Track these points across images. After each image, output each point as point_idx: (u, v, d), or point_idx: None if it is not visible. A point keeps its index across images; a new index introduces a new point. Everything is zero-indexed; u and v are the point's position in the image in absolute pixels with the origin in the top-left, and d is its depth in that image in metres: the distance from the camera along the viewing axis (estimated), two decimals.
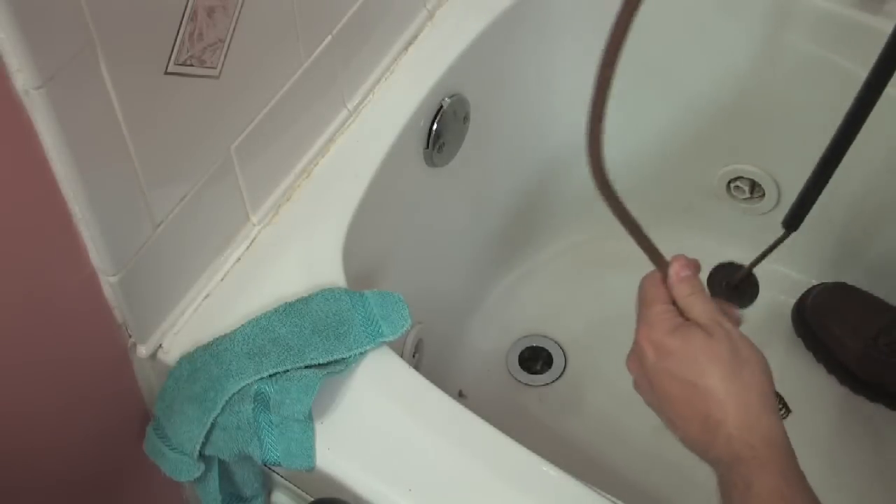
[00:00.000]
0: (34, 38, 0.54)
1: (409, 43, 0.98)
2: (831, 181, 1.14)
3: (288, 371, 0.72)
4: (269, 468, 0.80)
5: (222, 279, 0.81)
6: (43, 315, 0.67)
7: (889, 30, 0.98)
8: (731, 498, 0.60)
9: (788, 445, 0.61)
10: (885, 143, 1.07)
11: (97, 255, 0.67)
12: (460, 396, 1.16)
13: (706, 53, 1.10)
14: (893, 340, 1.09)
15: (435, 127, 0.97)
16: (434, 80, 0.95)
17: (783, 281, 1.23)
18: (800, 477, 0.60)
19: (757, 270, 1.26)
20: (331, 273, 0.80)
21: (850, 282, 1.16)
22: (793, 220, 0.86)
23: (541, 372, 1.19)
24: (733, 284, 0.92)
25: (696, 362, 0.62)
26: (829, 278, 1.18)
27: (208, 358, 0.74)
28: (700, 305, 0.65)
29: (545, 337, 1.22)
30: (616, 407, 1.11)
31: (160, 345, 0.77)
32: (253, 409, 0.71)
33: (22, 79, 0.55)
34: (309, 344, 0.73)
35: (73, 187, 0.62)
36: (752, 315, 1.23)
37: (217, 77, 0.71)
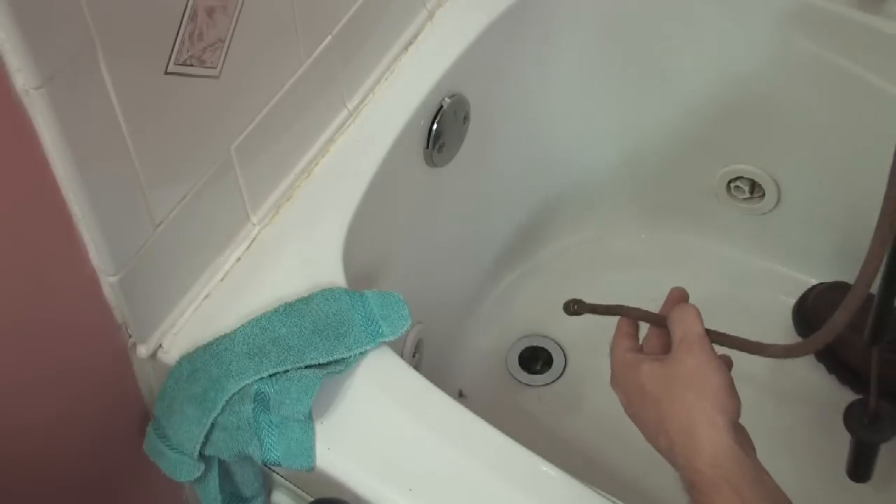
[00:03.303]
0: (34, 38, 0.54)
1: (409, 43, 0.98)
2: (831, 181, 1.15)
3: (288, 371, 0.72)
4: (269, 468, 0.80)
5: (222, 279, 0.81)
6: (43, 315, 0.67)
7: (889, 30, 0.98)
8: None
9: (739, 458, 0.62)
10: (886, 142, 1.07)
11: (97, 255, 0.67)
12: (460, 396, 1.16)
13: (706, 53, 1.10)
14: (894, 340, 1.08)
15: (435, 127, 0.97)
16: (434, 80, 0.95)
17: (783, 281, 1.23)
18: (757, 485, 0.61)
19: (757, 270, 1.26)
20: (331, 273, 0.80)
21: (850, 282, 1.16)
22: (875, 339, 0.87)
23: (541, 372, 1.19)
24: (870, 420, 0.92)
25: (644, 393, 0.68)
26: (829, 278, 1.18)
27: (208, 358, 0.74)
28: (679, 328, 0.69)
29: (545, 337, 1.22)
30: (616, 407, 1.11)
31: (160, 345, 0.77)
32: (253, 409, 0.71)
33: (22, 79, 0.55)
34: (309, 344, 0.73)
35: (73, 187, 0.62)
36: (752, 315, 1.23)
37: (217, 77, 0.71)
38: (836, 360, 1.14)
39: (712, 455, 0.62)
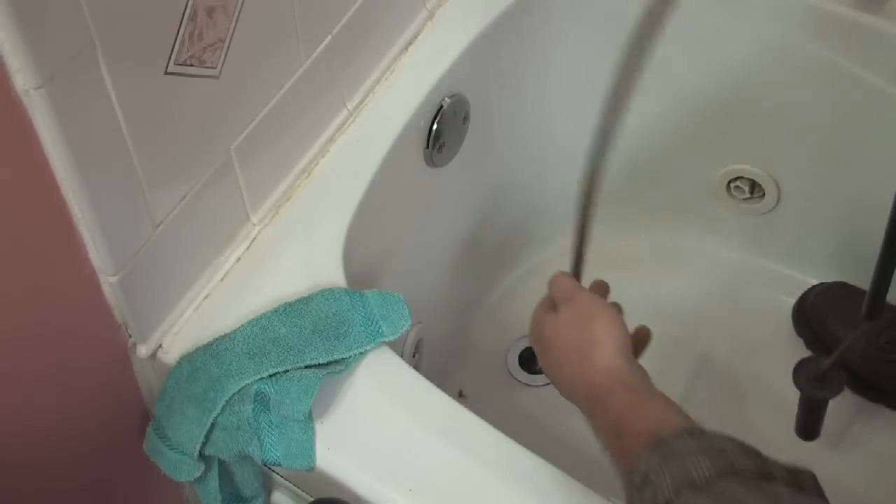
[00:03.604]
0: (34, 38, 0.54)
1: (409, 43, 0.98)
2: (831, 181, 1.15)
3: (288, 371, 0.72)
4: (269, 468, 0.80)
5: (222, 279, 0.81)
6: (42, 315, 0.67)
7: (889, 30, 0.99)
8: (597, 430, 0.66)
9: (633, 368, 0.68)
10: (886, 142, 1.07)
11: (97, 255, 0.67)
12: (460, 396, 1.16)
13: (706, 53, 1.10)
14: (893, 340, 1.08)
15: (435, 127, 0.97)
16: (434, 80, 0.95)
17: (783, 281, 1.23)
18: (652, 390, 0.66)
19: (757, 270, 1.26)
20: (331, 273, 0.80)
21: (850, 282, 1.16)
22: (873, 311, 0.88)
23: (541, 372, 1.19)
24: (819, 375, 0.93)
25: (547, 342, 0.74)
26: (829, 278, 1.18)
27: (208, 358, 0.74)
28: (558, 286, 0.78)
29: None
30: None
31: (160, 345, 0.77)
32: (253, 409, 0.71)
33: (22, 79, 0.55)
34: (309, 344, 0.73)
35: (73, 187, 0.62)
36: (752, 315, 1.23)
37: (217, 77, 0.71)
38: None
39: (606, 366, 0.68)
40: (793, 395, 0.96)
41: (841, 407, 1.07)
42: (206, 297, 0.79)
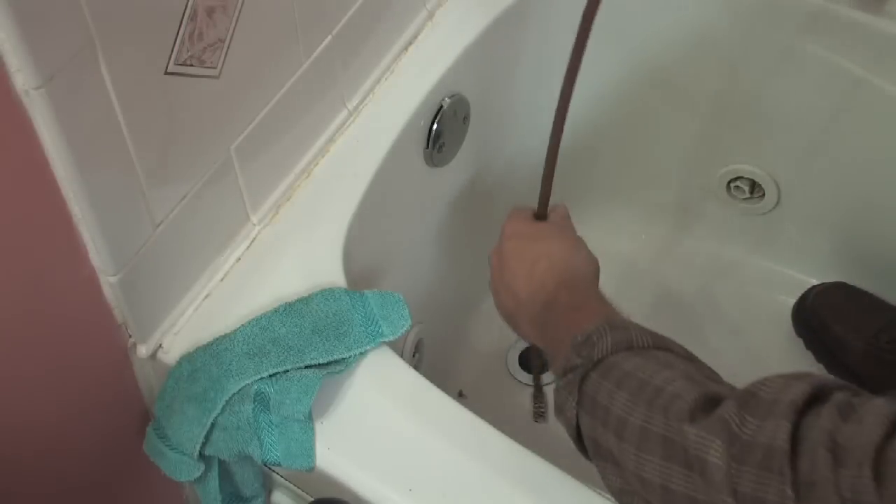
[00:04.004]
0: (34, 38, 0.54)
1: (409, 43, 0.98)
2: (831, 181, 1.14)
3: (288, 371, 0.72)
4: (269, 468, 0.80)
5: (222, 279, 0.81)
6: (43, 315, 0.67)
7: (889, 30, 0.99)
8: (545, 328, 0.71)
9: (586, 285, 0.73)
10: (886, 142, 1.07)
11: (97, 255, 0.67)
12: (460, 396, 1.16)
13: (706, 53, 1.10)
14: (893, 339, 1.09)
15: (435, 127, 0.97)
16: (434, 80, 0.95)
17: (783, 281, 1.23)
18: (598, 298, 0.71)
19: (757, 270, 1.26)
20: (331, 273, 0.80)
21: (850, 282, 1.16)
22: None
23: (541, 372, 1.19)
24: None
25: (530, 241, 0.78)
26: (829, 278, 1.18)
27: (208, 358, 0.74)
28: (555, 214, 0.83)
29: None
30: None
31: (160, 345, 0.77)
32: (253, 410, 0.71)
33: (22, 79, 0.55)
34: (309, 344, 0.73)
35: (73, 187, 0.62)
36: (753, 315, 1.23)
37: (217, 77, 0.71)
38: (834, 361, 1.14)
39: (591, 274, 0.75)
40: None
41: None
42: (207, 296, 0.79)
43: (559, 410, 0.62)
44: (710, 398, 0.52)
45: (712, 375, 0.58)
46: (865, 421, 0.45)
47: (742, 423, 0.48)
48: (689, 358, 0.60)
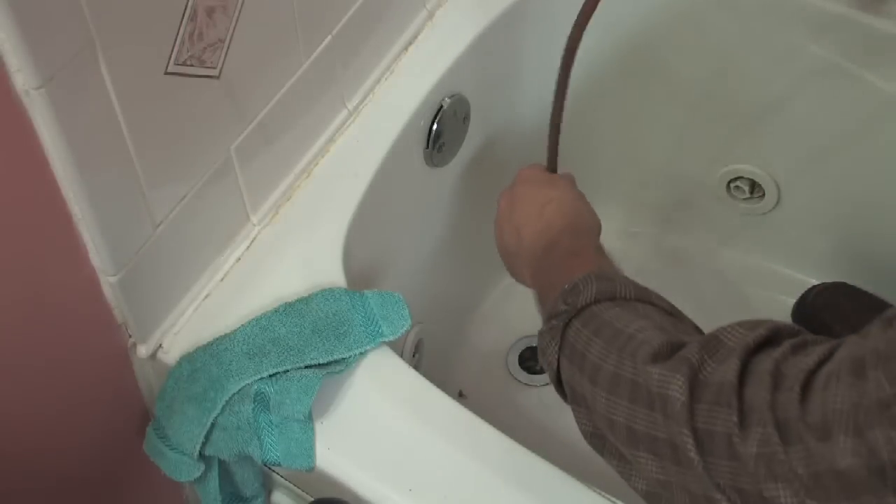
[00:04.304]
0: (34, 38, 0.54)
1: (409, 43, 0.98)
2: (832, 181, 1.14)
3: (288, 371, 0.72)
4: (269, 468, 0.80)
5: (222, 279, 0.81)
6: (43, 315, 0.67)
7: (889, 30, 0.99)
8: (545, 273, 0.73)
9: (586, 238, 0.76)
10: (885, 142, 1.07)
11: (97, 255, 0.67)
12: (460, 396, 1.16)
13: (706, 53, 1.10)
14: None
15: (435, 127, 0.97)
16: (434, 80, 0.95)
17: (783, 281, 1.23)
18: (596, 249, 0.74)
19: (757, 270, 1.26)
20: (331, 273, 0.80)
21: (850, 282, 1.16)
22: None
23: (541, 372, 1.19)
24: None
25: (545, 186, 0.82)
26: (829, 278, 1.18)
27: (208, 358, 0.74)
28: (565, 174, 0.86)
29: None
30: None
31: (160, 345, 0.77)
32: (253, 410, 0.71)
33: (22, 79, 0.55)
34: (309, 344, 0.73)
35: (73, 187, 0.62)
36: (752, 315, 1.23)
37: (217, 77, 0.71)
38: None
39: (595, 226, 0.78)
40: None
41: None
42: (207, 296, 0.79)
43: (542, 354, 0.65)
44: (676, 344, 0.55)
45: (689, 330, 0.60)
46: (810, 353, 0.48)
47: (702, 364, 0.51)
48: (671, 312, 0.62)
